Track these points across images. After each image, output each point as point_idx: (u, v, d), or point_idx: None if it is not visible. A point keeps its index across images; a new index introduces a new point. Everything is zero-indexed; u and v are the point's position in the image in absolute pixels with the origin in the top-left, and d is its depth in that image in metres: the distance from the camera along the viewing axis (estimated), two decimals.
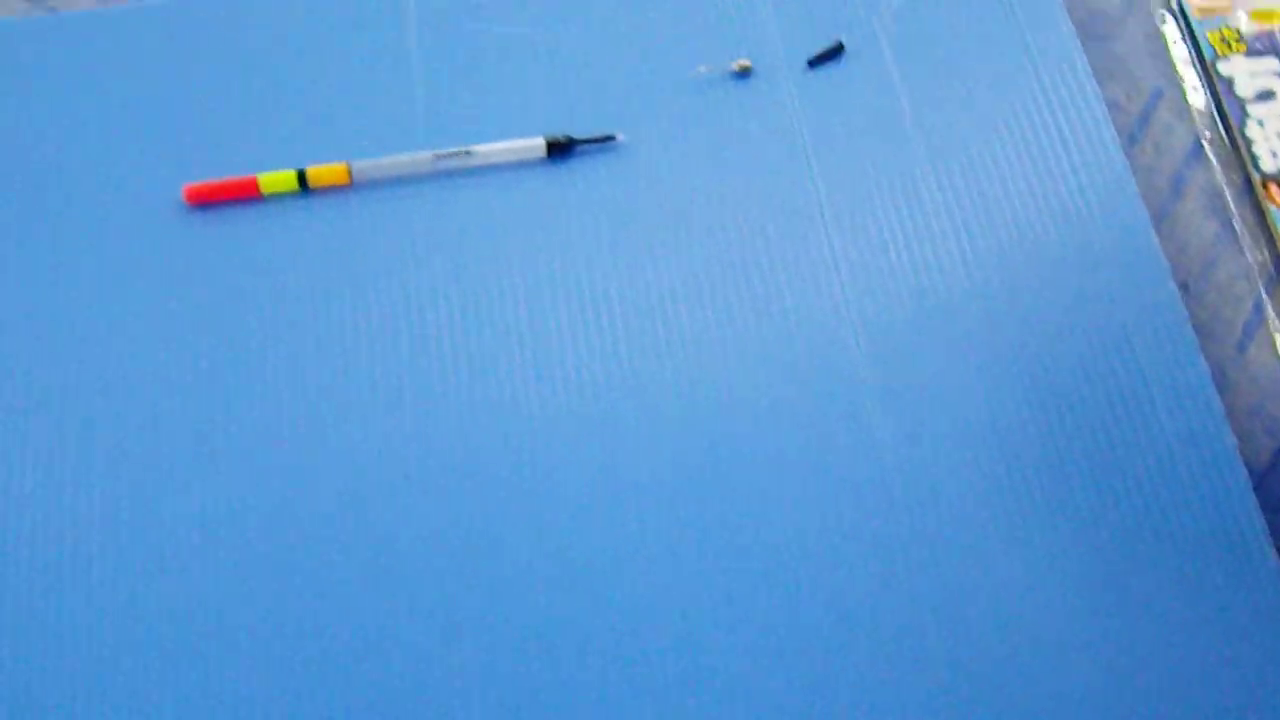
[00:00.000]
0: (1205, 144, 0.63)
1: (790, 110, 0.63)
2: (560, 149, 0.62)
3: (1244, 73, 0.65)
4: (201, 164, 0.62)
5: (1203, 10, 0.67)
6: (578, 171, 0.62)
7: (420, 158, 0.61)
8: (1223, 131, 0.63)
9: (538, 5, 0.66)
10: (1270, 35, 0.66)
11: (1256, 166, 0.62)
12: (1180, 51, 0.66)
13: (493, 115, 0.63)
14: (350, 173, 0.61)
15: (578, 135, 0.62)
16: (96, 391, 0.56)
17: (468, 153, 0.61)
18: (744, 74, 0.64)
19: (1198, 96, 0.65)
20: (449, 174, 0.62)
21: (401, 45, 0.65)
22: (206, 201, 0.61)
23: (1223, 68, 0.65)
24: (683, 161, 0.62)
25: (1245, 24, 0.67)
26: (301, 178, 0.61)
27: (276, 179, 0.61)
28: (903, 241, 0.60)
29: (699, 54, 0.65)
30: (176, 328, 0.58)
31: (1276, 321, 0.58)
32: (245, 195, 0.61)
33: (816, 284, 0.59)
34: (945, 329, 0.57)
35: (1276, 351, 0.57)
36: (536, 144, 0.62)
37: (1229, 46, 0.66)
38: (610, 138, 0.62)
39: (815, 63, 0.64)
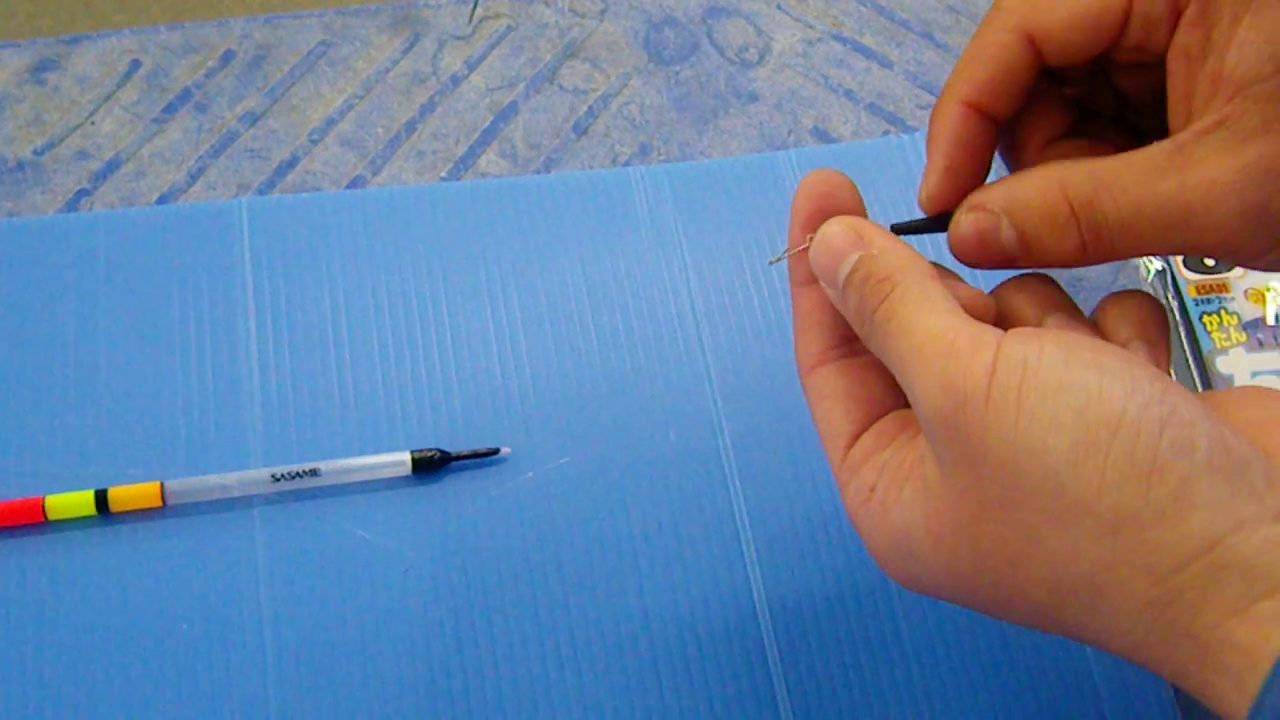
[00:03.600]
0: None
1: (714, 418, 0.52)
2: (430, 466, 0.50)
3: (1245, 371, 0.55)
4: None
5: (1200, 289, 0.57)
6: (449, 492, 0.50)
7: (252, 476, 0.49)
8: None
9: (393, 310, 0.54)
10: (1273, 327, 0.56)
11: None
12: (1175, 346, 0.56)
13: (345, 429, 0.51)
14: (164, 494, 0.48)
15: (452, 450, 0.50)
16: None
17: (313, 472, 0.49)
18: None
19: None
20: (289, 496, 0.49)
21: (235, 335, 0.52)
22: None
23: (1221, 364, 0.55)
24: (577, 478, 0.50)
25: (1244, 306, 0.57)
26: (101, 500, 0.48)
27: (67, 502, 0.48)
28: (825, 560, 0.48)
29: (600, 348, 0.53)
30: None
31: None
32: (24, 521, 0.48)
33: (735, 599, 0.47)
34: None
35: None
36: (399, 459, 0.50)
37: (1228, 338, 0.56)
38: (493, 451, 0.50)
39: None
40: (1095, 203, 0.35)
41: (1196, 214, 0.33)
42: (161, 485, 0.49)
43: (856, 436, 0.37)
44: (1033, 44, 0.37)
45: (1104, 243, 0.35)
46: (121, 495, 0.48)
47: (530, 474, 0.50)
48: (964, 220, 0.37)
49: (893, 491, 0.35)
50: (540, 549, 0.49)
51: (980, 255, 0.37)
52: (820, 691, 0.47)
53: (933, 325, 0.33)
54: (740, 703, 0.46)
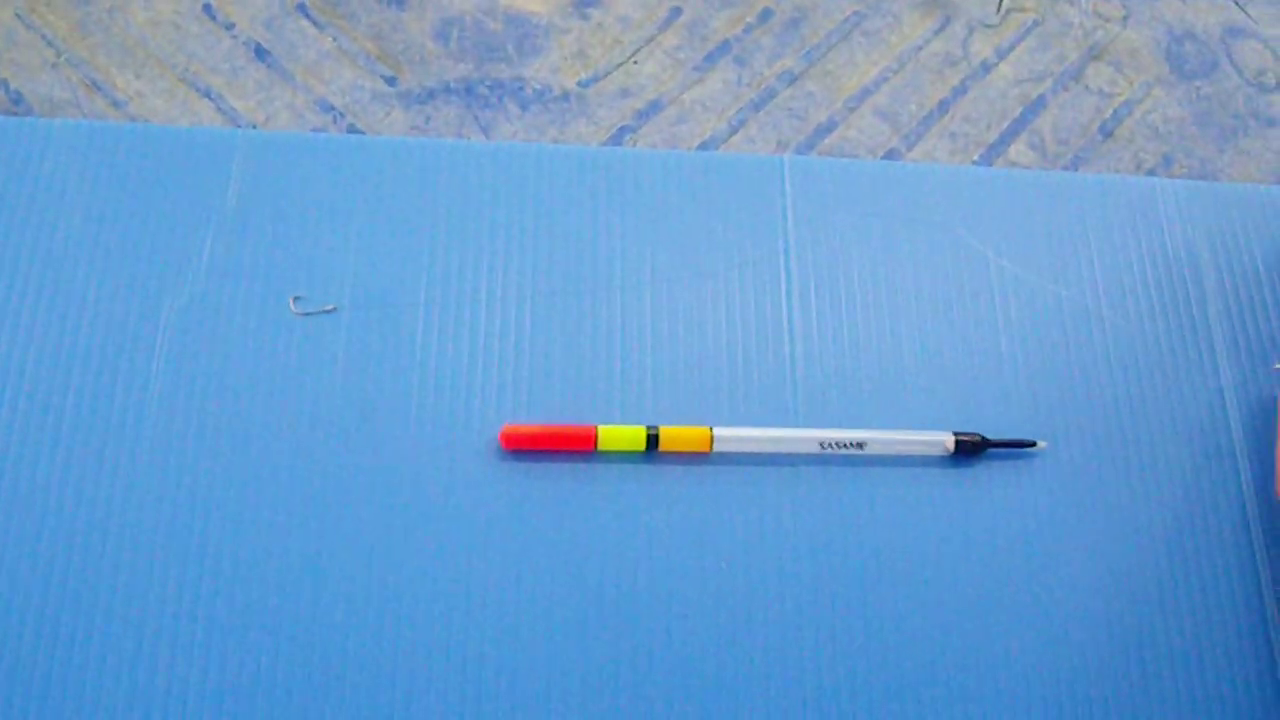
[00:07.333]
0: None
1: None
2: (970, 449, 0.50)
3: None
4: (527, 403, 0.49)
5: None
6: (983, 479, 0.50)
7: (800, 436, 0.49)
8: None
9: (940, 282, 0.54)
10: None
11: None
12: None
13: (879, 397, 0.51)
14: (712, 440, 0.49)
15: (990, 435, 0.50)
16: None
17: (859, 444, 0.49)
18: None
19: None
20: (824, 459, 0.49)
21: (774, 290, 0.53)
22: (526, 449, 0.48)
23: None
24: (1112, 479, 0.50)
25: None
26: (652, 437, 0.49)
27: (620, 434, 0.49)
28: None
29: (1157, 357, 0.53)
30: (489, 592, 0.46)
31: None
32: (575, 448, 0.49)
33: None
34: None
35: None
36: (943, 439, 0.50)
37: None
38: (1030, 444, 0.50)
39: None
40: None
41: None
42: (711, 431, 0.49)
43: None
44: None
45: None
46: (673, 435, 0.49)
47: (1064, 470, 0.50)
48: None
49: None
50: (1072, 542, 0.49)
51: None
52: None
53: None
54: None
